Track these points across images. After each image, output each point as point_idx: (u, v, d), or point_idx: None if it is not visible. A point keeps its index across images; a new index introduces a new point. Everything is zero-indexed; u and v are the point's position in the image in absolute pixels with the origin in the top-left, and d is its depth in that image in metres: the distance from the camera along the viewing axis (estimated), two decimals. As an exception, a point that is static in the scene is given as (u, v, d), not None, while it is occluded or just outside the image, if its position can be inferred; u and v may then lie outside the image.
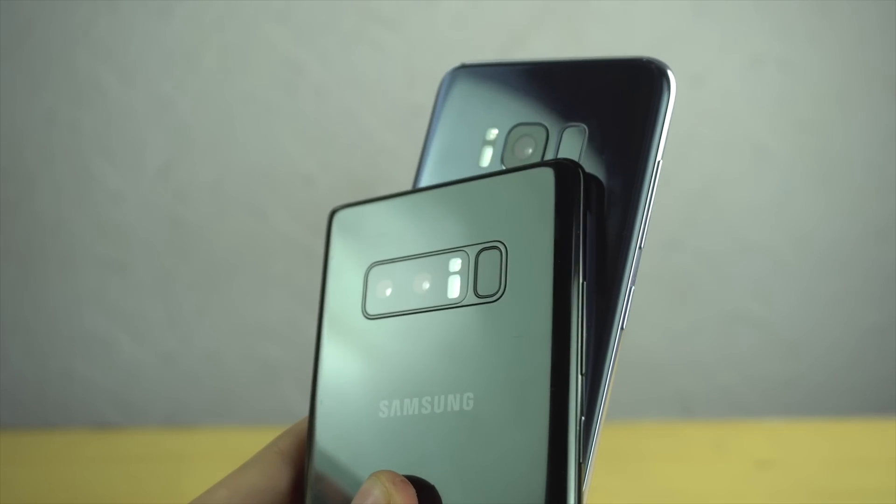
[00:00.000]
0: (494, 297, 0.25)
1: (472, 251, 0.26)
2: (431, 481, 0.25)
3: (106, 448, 0.70)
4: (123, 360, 0.78)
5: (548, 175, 0.25)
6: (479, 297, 0.26)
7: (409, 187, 0.29)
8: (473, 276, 0.26)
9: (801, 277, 0.80)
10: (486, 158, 0.28)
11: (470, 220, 0.26)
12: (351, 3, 0.72)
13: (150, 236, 0.76)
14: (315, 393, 0.28)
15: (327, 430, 0.27)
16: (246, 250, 0.76)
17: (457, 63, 0.30)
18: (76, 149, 0.74)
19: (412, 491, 0.24)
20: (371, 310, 0.28)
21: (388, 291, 0.27)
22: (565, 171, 0.25)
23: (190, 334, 0.77)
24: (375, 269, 0.28)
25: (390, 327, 0.27)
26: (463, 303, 0.26)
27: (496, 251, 0.26)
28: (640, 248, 0.24)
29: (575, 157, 0.26)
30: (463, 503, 0.24)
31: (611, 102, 0.26)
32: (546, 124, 0.27)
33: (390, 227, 0.28)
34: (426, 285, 0.27)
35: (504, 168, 0.27)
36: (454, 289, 0.26)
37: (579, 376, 0.23)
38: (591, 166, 0.26)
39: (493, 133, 0.28)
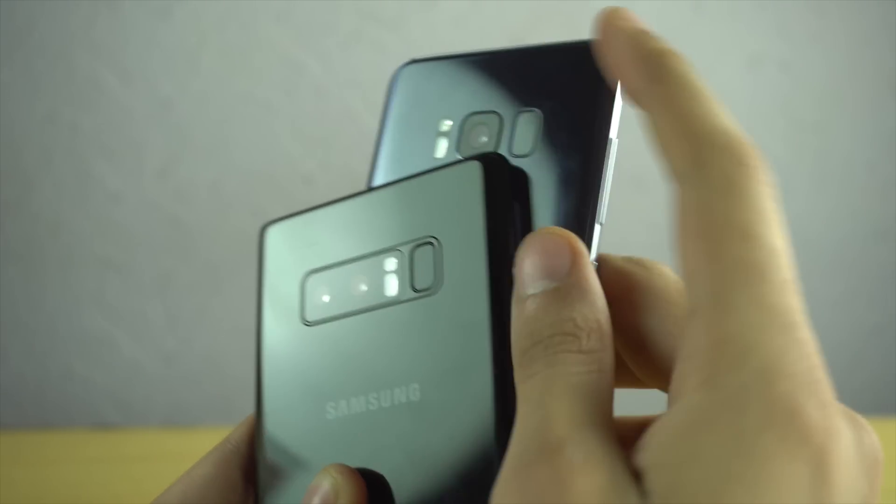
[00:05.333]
0: (431, 291, 0.26)
1: (406, 249, 0.27)
2: (383, 472, 0.25)
3: (106, 448, 0.70)
4: (123, 361, 0.78)
5: (474, 169, 0.25)
6: (416, 291, 0.26)
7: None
8: (409, 273, 0.26)
9: (801, 278, 0.80)
10: (441, 150, 0.27)
11: (401, 220, 0.27)
12: (351, 3, 0.72)
13: (150, 236, 0.76)
14: (261, 405, 0.28)
15: (276, 438, 0.28)
16: (246, 250, 0.76)
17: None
18: (76, 149, 0.74)
19: (362, 481, 0.25)
20: (310, 317, 0.28)
21: (326, 297, 0.28)
22: (491, 164, 0.25)
23: (190, 335, 0.77)
24: (311, 278, 0.28)
25: (330, 331, 0.27)
26: (401, 299, 0.26)
27: (430, 247, 0.26)
28: (600, 223, 0.24)
29: (530, 142, 0.26)
30: (415, 490, 0.25)
31: (562, 86, 0.26)
32: (499, 111, 0.27)
33: (323, 236, 0.29)
34: (363, 287, 0.27)
35: (452, 159, 0.28)
36: (391, 287, 0.26)
37: None
38: (548, 150, 0.26)
39: (447, 124, 0.27)
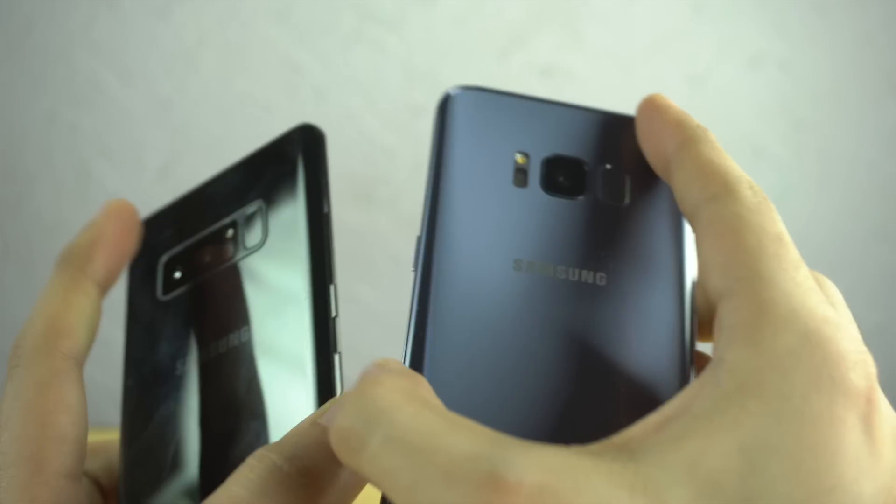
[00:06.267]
0: (259, 246, 0.29)
1: (241, 216, 0.30)
2: (232, 413, 0.28)
3: (106, 448, 0.70)
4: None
5: (294, 136, 0.30)
6: (246, 249, 0.29)
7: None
8: (243, 235, 0.30)
9: (801, 277, 0.80)
10: (522, 182, 0.27)
11: (236, 193, 0.31)
12: (351, 3, 0.72)
13: (150, 236, 0.76)
14: (126, 380, 0.32)
15: (139, 407, 0.31)
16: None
17: (456, 80, 0.30)
18: (76, 149, 0.74)
19: None
20: (164, 293, 0.32)
21: (177, 274, 0.31)
22: (309, 133, 0.30)
23: (190, 334, 0.77)
24: (165, 261, 0.32)
25: (180, 300, 0.31)
26: (236, 259, 0.30)
27: (259, 210, 0.30)
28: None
29: (624, 195, 0.28)
30: (246, 421, 0.27)
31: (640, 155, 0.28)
32: (584, 159, 0.28)
33: (174, 224, 0.33)
34: (207, 257, 0.31)
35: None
36: (229, 250, 0.30)
37: (331, 285, 0.28)
38: (640, 204, 0.28)
39: (522, 158, 0.28)
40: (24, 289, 0.77)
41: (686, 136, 0.26)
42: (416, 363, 0.24)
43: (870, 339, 0.91)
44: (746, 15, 0.74)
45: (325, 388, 0.26)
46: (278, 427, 0.26)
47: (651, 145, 0.27)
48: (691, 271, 0.27)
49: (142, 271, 0.33)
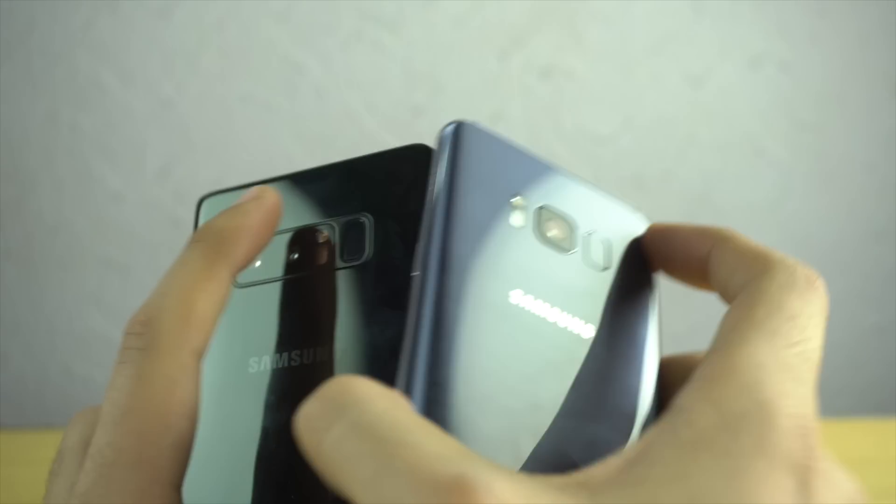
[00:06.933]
0: (358, 263, 0.28)
1: (339, 222, 0.29)
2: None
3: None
4: (123, 361, 0.78)
5: (409, 154, 0.29)
6: (344, 262, 0.28)
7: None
8: (340, 245, 0.28)
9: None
10: (517, 221, 0.28)
11: (337, 197, 0.30)
12: (351, 3, 0.72)
13: (150, 236, 0.76)
14: None
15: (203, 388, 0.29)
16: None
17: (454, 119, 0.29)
18: (76, 149, 0.74)
19: None
20: (241, 279, 0.29)
21: (258, 263, 0.29)
22: (421, 153, 0.28)
23: (190, 334, 0.77)
24: None
25: (258, 293, 0.29)
26: (330, 268, 0.28)
27: (362, 222, 0.29)
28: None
29: (603, 259, 0.29)
30: None
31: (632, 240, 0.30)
32: (572, 219, 0.29)
33: None
34: (294, 255, 0.29)
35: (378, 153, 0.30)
36: (322, 256, 0.29)
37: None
38: (621, 268, 0.29)
39: (519, 201, 0.28)
40: (24, 289, 0.77)
41: (718, 235, 0.27)
42: (412, 370, 0.24)
43: (869, 339, 0.92)
44: (746, 15, 0.74)
45: None
46: None
47: (682, 257, 0.29)
48: (658, 339, 0.29)
49: None
